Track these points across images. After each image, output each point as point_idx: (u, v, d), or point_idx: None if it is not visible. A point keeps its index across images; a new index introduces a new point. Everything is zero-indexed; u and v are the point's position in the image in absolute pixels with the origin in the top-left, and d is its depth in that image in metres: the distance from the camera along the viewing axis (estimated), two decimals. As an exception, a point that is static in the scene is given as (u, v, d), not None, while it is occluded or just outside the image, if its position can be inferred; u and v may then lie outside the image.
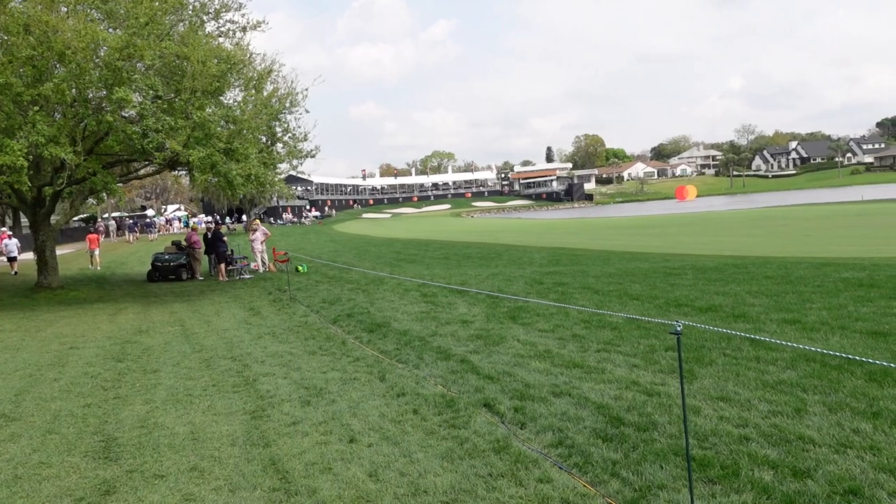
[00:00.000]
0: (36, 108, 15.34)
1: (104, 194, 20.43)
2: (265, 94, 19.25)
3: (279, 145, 20.56)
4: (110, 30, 16.81)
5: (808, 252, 18.53)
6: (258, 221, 26.95)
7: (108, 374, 8.92)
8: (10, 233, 31.41)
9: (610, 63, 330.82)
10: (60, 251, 41.96)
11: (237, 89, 19.04)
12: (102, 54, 15.93)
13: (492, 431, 5.73)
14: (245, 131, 17.23)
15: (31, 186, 19.26)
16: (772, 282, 12.81)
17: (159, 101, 16.39)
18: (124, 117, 16.73)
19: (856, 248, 19.26)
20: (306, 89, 20.31)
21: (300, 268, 23.98)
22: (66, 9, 16.58)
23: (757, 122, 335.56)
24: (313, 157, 21.21)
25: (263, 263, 25.13)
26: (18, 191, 18.67)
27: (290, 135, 20.56)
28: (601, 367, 7.41)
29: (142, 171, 24.79)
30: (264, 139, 20.18)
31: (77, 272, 28.40)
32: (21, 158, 14.46)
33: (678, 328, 4.10)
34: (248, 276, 23.03)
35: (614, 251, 23.73)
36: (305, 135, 21.00)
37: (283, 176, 22.00)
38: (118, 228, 60.47)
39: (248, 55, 18.88)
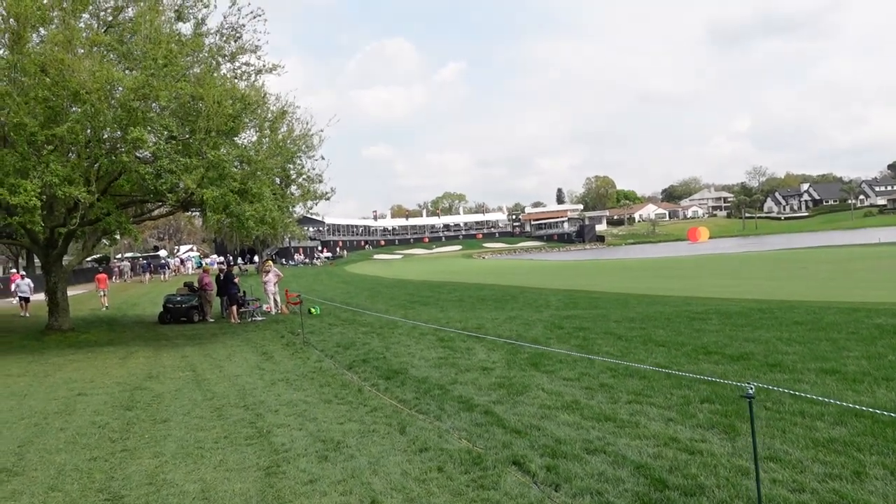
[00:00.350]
0: (50, 147, 15.25)
1: (117, 235, 20.30)
2: (280, 135, 19.19)
3: (293, 187, 20.44)
4: (126, 71, 16.82)
5: (835, 296, 18.05)
6: (270, 262, 26.75)
7: (117, 423, 8.56)
8: (23, 273, 31.38)
9: (615, 104, 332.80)
10: (73, 292, 41.90)
11: (252, 130, 18.98)
12: (118, 95, 15.89)
13: (524, 493, 5.32)
14: (259, 172, 17.08)
15: (44, 227, 19.22)
16: (803, 328, 12.37)
17: (174, 142, 16.29)
18: (138, 158, 16.63)
19: (884, 292, 18.76)
20: (321, 131, 20.31)
21: (313, 310, 23.67)
22: (82, 50, 16.63)
23: (765, 162, 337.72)
24: (328, 199, 21.11)
25: (276, 305, 24.84)
26: (31, 231, 18.55)
27: (304, 176, 20.45)
28: (634, 421, 7.00)
29: (155, 212, 24.73)
30: (278, 181, 20.07)
31: (89, 313, 28.20)
32: (34, 199, 14.33)
33: (750, 391, 3.68)
34: (260, 319, 22.72)
35: (632, 294, 23.30)
36: (320, 176, 20.91)
37: (296, 217, 21.86)
38: (132, 269, 60.58)
39: (263, 95, 18.85)
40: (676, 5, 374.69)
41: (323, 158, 20.46)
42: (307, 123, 20.03)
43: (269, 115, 19.31)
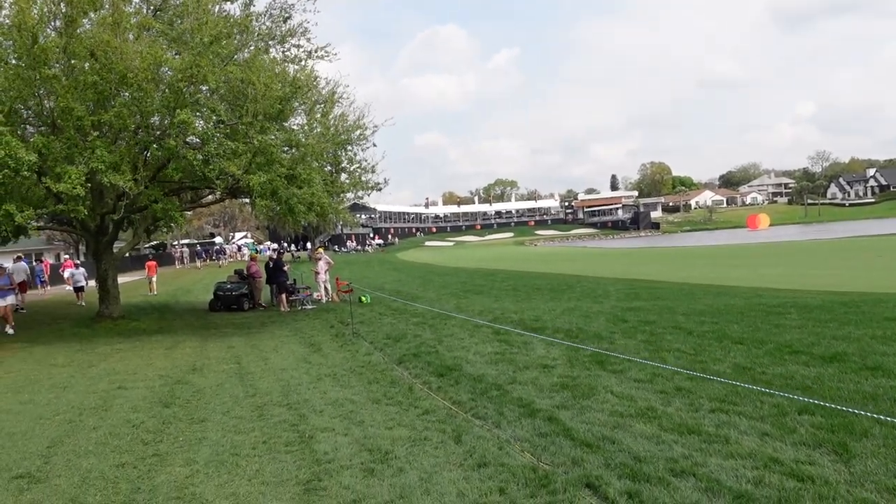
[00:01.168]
0: (96, 133, 14.89)
1: (172, 222, 20.05)
2: (332, 119, 18.58)
3: (343, 175, 19.83)
4: (175, 55, 16.40)
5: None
6: (321, 250, 26.32)
7: (152, 422, 8.03)
8: (77, 261, 31.65)
9: (672, 89, 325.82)
10: (128, 278, 42.50)
11: (301, 114, 18.41)
12: (165, 78, 15.46)
13: (602, 525, 4.53)
14: (309, 157, 16.48)
15: (95, 214, 19.04)
16: (897, 325, 11.22)
17: (222, 126, 15.81)
18: (187, 143, 16.20)
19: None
20: (376, 126, 19.65)
21: (363, 298, 23.14)
22: (132, 35, 16.26)
23: (829, 147, 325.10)
24: (380, 189, 20.46)
25: (326, 293, 24.40)
26: (81, 218, 18.39)
27: (356, 165, 19.84)
28: (723, 435, 6.11)
29: (206, 199, 24.47)
30: (329, 167, 19.49)
31: (141, 300, 28.25)
32: (79, 186, 13.98)
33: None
34: (310, 307, 22.28)
35: (697, 284, 22.14)
36: (373, 166, 20.28)
37: (347, 204, 21.29)
38: (191, 256, 61.49)
39: (314, 78, 18.24)
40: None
41: (375, 146, 19.61)
42: (362, 115, 19.37)
43: (320, 98, 18.69)
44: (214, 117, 15.58)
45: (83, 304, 25.73)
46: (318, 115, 18.22)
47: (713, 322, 12.94)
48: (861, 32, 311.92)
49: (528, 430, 6.76)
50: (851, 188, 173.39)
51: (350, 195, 19.99)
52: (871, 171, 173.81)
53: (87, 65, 15.50)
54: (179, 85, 14.66)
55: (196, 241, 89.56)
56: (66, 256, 37.44)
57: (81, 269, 27.49)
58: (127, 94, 14.78)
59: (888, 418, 5.84)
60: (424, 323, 16.14)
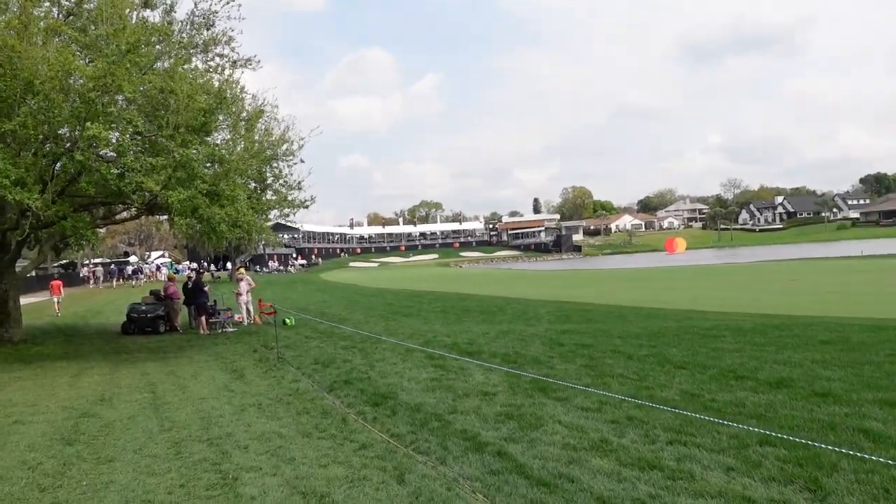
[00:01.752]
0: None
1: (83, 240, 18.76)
2: (257, 135, 17.77)
3: (269, 192, 19.00)
4: (88, 62, 15.33)
5: (847, 311, 17.00)
6: (243, 270, 25.25)
7: (51, 463, 7.11)
8: None
9: (591, 116, 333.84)
10: (34, 298, 40.08)
11: (225, 130, 17.53)
12: (77, 86, 14.40)
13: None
14: (233, 173, 15.63)
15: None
16: (834, 348, 11.22)
17: (139, 139, 14.84)
18: (100, 157, 15.10)
19: (893, 307, 17.78)
20: (302, 139, 18.91)
21: (288, 321, 22.21)
22: (40, 41, 15.14)
23: (738, 175, 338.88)
24: (307, 207, 19.69)
25: (248, 315, 23.35)
26: (-20, 235, 16.99)
27: (281, 181, 19.03)
28: (687, 470, 5.73)
29: (121, 215, 23.14)
30: (253, 184, 18.63)
31: (47, 322, 26.49)
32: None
33: None
34: (231, 330, 21.23)
35: (626, 306, 22.15)
36: (299, 183, 19.50)
37: (272, 223, 20.42)
38: (106, 275, 59.08)
39: (241, 89, 17.41)
40: (649, 21, 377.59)
41: (303, 161, 18.81)
42: (287, 128, 18.60)
43: (245, 113, 17.86)
44: (131, 129, 14.59)
45: None
46: (243, 131, 17.37)
47: (651, 345, 12.74)
48: (763, 68, 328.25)
49: (476, 466, 6.23)
50: (761, 214, 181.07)
51: (275, 213, 19.12)
52: (780, 199, 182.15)
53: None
54: (91, 95, 13.63)
55: (110, 261, 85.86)
56: None
57: None
58: (33, 102, 13.59)
59: (855, 452, 5.56)
60: (354, 347, 15.45)
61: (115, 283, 56.97)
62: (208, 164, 15.64)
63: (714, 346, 12.26)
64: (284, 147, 18.04)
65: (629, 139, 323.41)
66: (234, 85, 16.90)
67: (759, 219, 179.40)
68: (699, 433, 6.77)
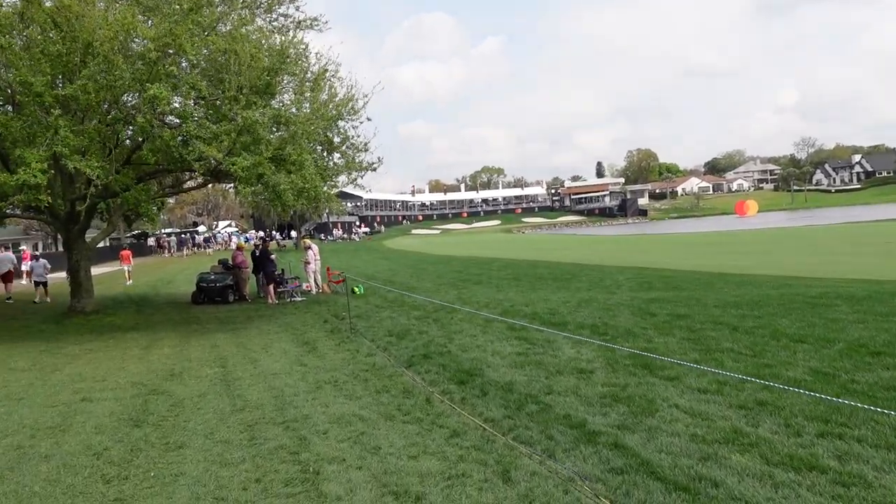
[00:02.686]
0: (58, 112, 13.23)
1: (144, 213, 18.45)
2: (324, 94, 16.99)
3: (336, 155, 18.25)
4: (149, 24, 14.78)
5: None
6: (308, 240, 24.73)
7: (118, 449, 6.55)
8: (37, 253, 29.64)
9: (656, 77, 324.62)
10: (107, 268, 40.79)
11: (290, 91, 16.80)
12: (138, 48, 13.87)
13: None
14: (299, 136, 14.92)
15: (64, 200, 17.42)
16: (975, 319, 9.94)
17: (202, 103, 14.27)
18: (164, 123, 14.58)
19: None
20: (366, 96, 17.98)
21: (356, 289, 21.67)
22: (102, 4, 14.65)
23: (812, 135, 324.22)
24: (374, 169, 18.87)
25: (317, 284, 22.90)
26: (50, 205, 16.77)
27: (348, 143, 18.25)
28: (857, 474, 4.74)
29: (187, 184, 22.87)
30: (320, 148, 17.91)
31: (119, 292, 26.63)
32: (39, 174, 12.33)
33: None
34: (299, 299, 20.78)
35: (710, 272, 20.84)
36: (366, 144, 18.68)
37: (338, 190, 19.69)
38: (178, 244, 60.53)
39: (305, 47, 16.61)
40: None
41: (369, 119, 17.94)
42: (351, 87, 17.70)
43: (310, 73, 17.08)
44: (194, 93, 13.99)
45: (48, 299, 23.15)
46: (309, 92, 16.60)
47: (756, 316, 11.60)
48: (840, 20, 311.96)
49: (593, 462, 5.36)
50: (837, 174, 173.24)
51: (343, 178, 18.37)
52: (857, 158, 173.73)
53: (51, 34, 13.88)
54: (152, 56, 13.04)
55: (179, 230, 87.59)
56: (24, 248, 35.74)
57: (42, 261, 24.32)
58: (93, 65, 13.08)
59: None
60: (427, 317, 14.73)
61: (185, 252, 58.16)
62: (273, 128, 14.94)
63: (829, 316, 11.03)
64: (350, 105, 17.18)
65: (697, 100, 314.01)
66: (298, 44, 16.10)
67: (834, 179, 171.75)
68: (853, 423, 5.74)
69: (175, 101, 14.42)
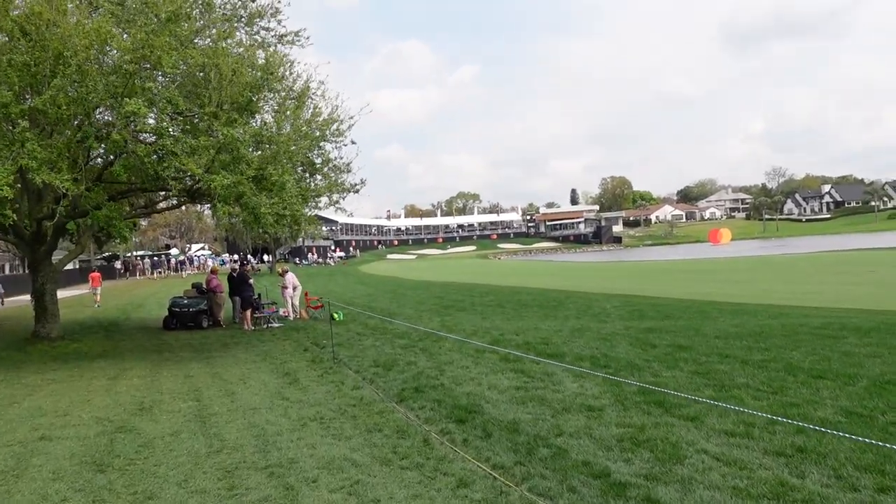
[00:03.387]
0: (24, 124, 12.42)
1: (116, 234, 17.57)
2: (307, 113, 16.34)
3: (318, 177, 17.56)
4: (124, 35, 14.05)
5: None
6: (286, 266, 23.90)
7: (77, 500, 5.75)
8: None
9: (629, 105, 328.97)
10: (77, 291, 39.57)
11: (270, 108, 16.11)
12: (111, 60, 13.13)
13: None
14: (281, 155, 14.23)
15: (31, 219, 16.53)
16: None
17: (180, 118, 13.55)
18: (138, 139, 13.79)
19: None
20: (352, 118, 17.37)
21: (336, 315, 20.88)
22: (76, 12, 13.91)
23: (780, 164, 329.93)
24: (357, 191, 18.21)
25: (294, 309, 22.08)
26: (15, 224, 15.84)
27: (330, 165, 17.59)
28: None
29: (160, 204, 22.01)
30: (301, 168, 17.21)
31: (88, 315, 25.57)
32: (5, 188, 11.50)
33: None
34: (277, 325, 19.95)
35: (700, 300, 20.37)
36: (348, 165, 18.03)
37: (322, 211, 18.94)
38: (153, 267, 60.11)
39: (290, 63, 15.97)
40: (689, 5, 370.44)
41: (354, 143, 17.34)
42: (335, 107, 17.07)
43: (292, 92, 16.44)
44: (170, 108, 13.25)
45: None
46: (291, 110, 15.92)
47: (763, 348, 11.06)
48: (807, 53, 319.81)
49: (629, 523, 4.70)
50: (807, 204, 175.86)
51: (325, 199, 17.65)
52: (826, 188, 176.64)
53: (19, 43, 13.09)
54: (128, 67, 12.32)
55: (151, 253, 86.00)
56: None
57: None
58: (63, 77, 12.29)
59: None
60: (413, 346, 14.02)
61: (156, 274, 58.29)
62: (254, 147, 14.23)
63: (841, 349, 10.52)
64: (334, 127, 16.55)
65: (668, 128, 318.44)
66: (281, 58, 15.45)
67: (804, 208, 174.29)
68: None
69: (150, 118, 13.67)
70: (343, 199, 18.24)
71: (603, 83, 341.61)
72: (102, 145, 14.16)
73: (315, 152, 16.74)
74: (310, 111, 16.57)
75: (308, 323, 20.46)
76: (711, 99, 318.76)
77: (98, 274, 33.02)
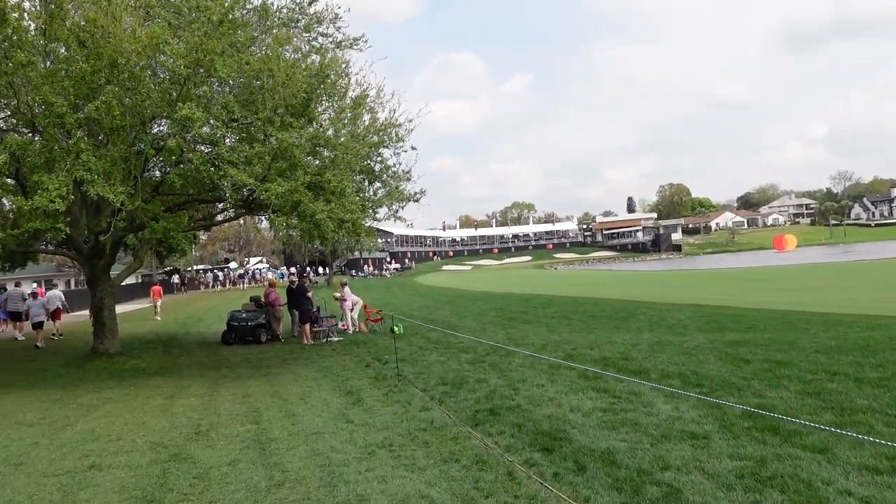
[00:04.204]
0: (80, 134, 12.08)
1: (175, 246, 17.29)
2: (365, 119, 15.73)
3: (377, 184, 16.93)
4: (179, 42, 13.66)
5: None
6: (342, 278, 23.33)
7: (125, 546, 5.10)
8: (39, 290, 29.01)
9: (684, 110, 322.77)
10: (139, 305, 39.99)
11: (329, 114, 15.52)
12: (165, 66, 12.71)
13: None
14: (339, 159, 13.61)
15: (89, 233, 16.32)
16: None
17: (235, 125, 13.06)
18: (193, 148, 13.35)
19: None
20: (411, 121, 16.66)
21: (396, 328, 20.18)
22: (129, 19, 13.58)
23: (842, 167, 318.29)
24: (417, 200, 17.48)
25: (353, 323, 21.49)
26: (72, 238, 15.60)
27: (390, 172, 16.93)
28: None
29: (218, 217, 21.73)
30: (359, 177, 16.60)
31: (148, 330, 25.48)
32: (58, 199, 11.12)
33: None
34: (336, 339, 19.36)
35: (782, 310, 19.06)
36: (408, 173, 17.32)
37: (379, 223, 18.31)
38: (215, 279, 61.40)
39: (345, 65, 15.36)
40: (746, 7, 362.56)
41: (414, 149, 16.63)
42: (393, 111, 16.41)
43: (349, 97, 15.83)
44: (225, 114, 12.76)
45: (40, 344, 20.35)
46: (347, 116, 15.32)
47: (875, 364, 9.91)
48: (867, 54, 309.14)
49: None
50: (876, 208, 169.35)
51: (384, 210, 16.99)
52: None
53: (75, 52, 12.79)
54: (182, 73, 11.87)
55: (211, 266, 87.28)
56: (35, 285, 35.61)
57: (40, 300, 22.55)
58: (116, 84, 11.90)
59: None
60: (481, 361, 13.21)
61: (218, 286, 59.25)
62: (311, 153, 13.63)
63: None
64: (393, 131, 15.89)
65: (725, 133, 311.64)
66: (338, 63, 14.85)
67: (873, 213, 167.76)
68: None
69: (205, 127, 13.20)
70: (403, 207, 17.55)
71: (657, 90, 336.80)
72: (159, 157, 13.82)
73: (375, 159, 16.10)
74: (368, 116, 15.96)
75: (368, 337, 19.83)
76: (769, 103, 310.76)
77: (159, 287, 33.60)
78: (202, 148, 13.86)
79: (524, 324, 20.88)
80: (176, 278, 61.24)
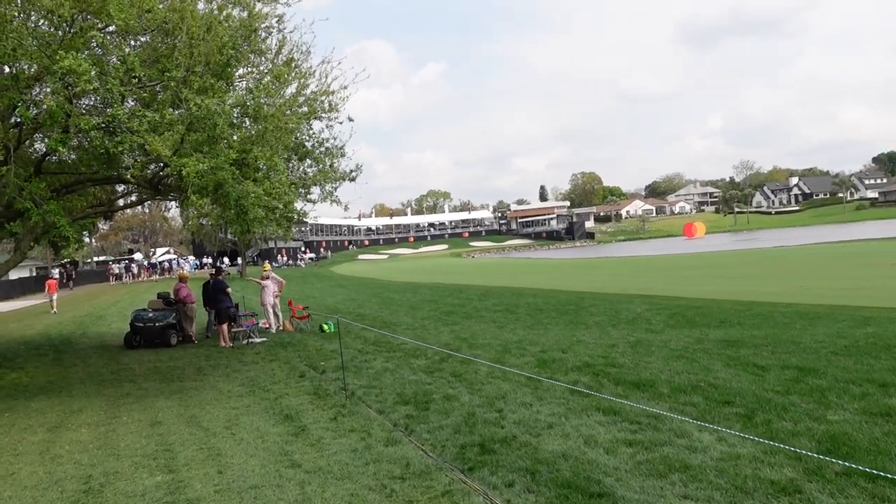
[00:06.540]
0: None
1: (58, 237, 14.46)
2: (291, 88, 13.32)
3: (308, 161, 14.54)
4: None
5: None
6: (269, 266, 20.82)
7: None
8: None
9: (591, 102, 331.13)
10: (34, 301, 36.13)
11: (251, 76, 13.04)
12: (42, 5, 10.03)
13: None
14: (269, 132, 11.24)
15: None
16: None
17: (136, 82, 10.50)
18: (81, 111, 10.72)
19: None
20: (345, 88, 14.25)
21: (326, 327, 18.01)
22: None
23: (740, 158, 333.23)
24: (353, 179, 15.19)
25: (277, 319, 19.10)
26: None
27: (322, 148, 14.58)
28: None
29: (120, 202, 18.87)
30: (288, 154, 14.18)
31: (40, 331, 22.28)
32: None
33: None
34: (258, 341, 16.96)
35: (743, 301, 17.81)
36: (341, 149, 14.99)
37: (313, 206, 15.83)
38: (126, 270, 57.84)
39: (276, 19, 12.82)
40: (645, 5, 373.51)
41: (351, 119, 14.25)
42: (327, 77, 14.00)
43: (281, 57, 13.36)
44: (123, 70, 10.17)
45: None
46: (278, 82, 12.85)
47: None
48: (763, 51, 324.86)
49: None
50: (776, 196, 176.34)
51: (317, 191, 14.64)
52: (794, 180, 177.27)
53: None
54: (65, 14, 9.28)
55: (113, 258, 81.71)
56: None
57: None
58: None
59: None
60: (438, 369, 11.24)
61: (126, 279, 57.53)
62: (236, 118, 11.18)
63: None
64: (325, 100, 13.49)
65: (630, 125, 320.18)
66: (265, 16, 12.38)
67: (773, 201, 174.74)
68: None
69: (92, 73, 10.45)
70: (336, 188, 15.21)
71: (567, 82, 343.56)
72: (37, 121, 11.08)
73: (305, 132, 13.74)
74: (296, 84, 13.56)
75: (294, 336, 17.49)
76: (673, 96, 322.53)
77: (54, 281, 32.75)
78: (96, 119, 11.23)
79: (466, 319, 18.98)
80: (55, 271, 52.56)
